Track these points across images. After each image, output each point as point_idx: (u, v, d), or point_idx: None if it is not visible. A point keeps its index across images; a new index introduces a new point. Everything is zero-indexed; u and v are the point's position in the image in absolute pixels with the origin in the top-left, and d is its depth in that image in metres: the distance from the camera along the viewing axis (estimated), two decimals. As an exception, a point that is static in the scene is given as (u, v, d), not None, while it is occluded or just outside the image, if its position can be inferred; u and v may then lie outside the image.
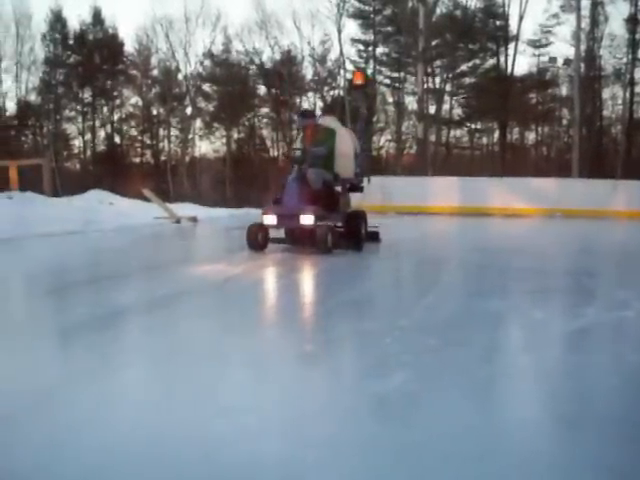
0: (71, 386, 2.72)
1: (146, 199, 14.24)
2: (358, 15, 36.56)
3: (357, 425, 2.29)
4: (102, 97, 37.99)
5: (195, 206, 17.30)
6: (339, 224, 8.10)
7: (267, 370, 2.98)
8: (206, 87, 38.18)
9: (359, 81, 8.76)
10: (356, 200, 11.27)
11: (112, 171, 34.06)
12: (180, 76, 37.08)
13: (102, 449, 2.04)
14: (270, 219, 7.54)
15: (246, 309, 4.45)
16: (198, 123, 38.19)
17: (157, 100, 37.58)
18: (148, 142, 39.39)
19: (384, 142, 38.51)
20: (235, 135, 37.99)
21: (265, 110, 37.79)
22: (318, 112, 29.77)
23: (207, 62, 37.39)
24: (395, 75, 37.05)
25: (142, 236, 10.58)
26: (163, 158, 38.54)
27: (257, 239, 7.58)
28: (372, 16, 36.59)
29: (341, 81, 35.43)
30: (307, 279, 6.19)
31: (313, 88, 36.94)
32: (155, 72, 37.68)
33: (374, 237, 8.76)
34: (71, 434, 2.17)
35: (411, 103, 35.72)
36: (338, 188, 8.22)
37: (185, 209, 14.50)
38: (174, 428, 2.22)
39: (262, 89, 38.01)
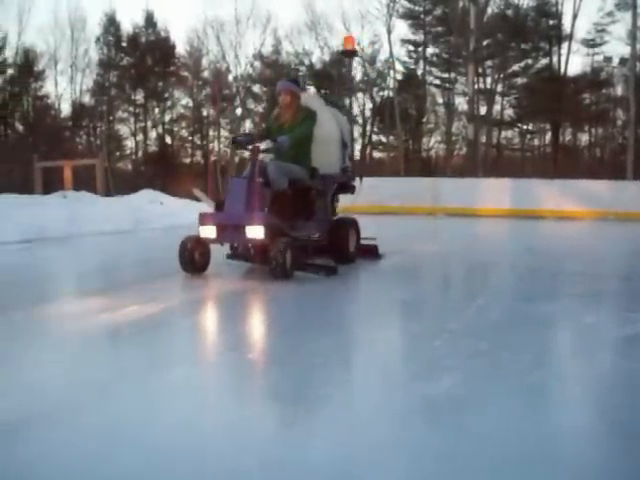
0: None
1: (196, 199, 14.36)
2: (408, 15, 36.47)
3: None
4: (154, 98, 38.72)
5: (244, 206, 17.38)
6: (316, 236, 6.19)
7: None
8: (256, 88, 38.56)
9: (350, 46, 7.36)
10: (399, 201, 10.78)
11: (163, 171, 34.66)
12: (230, 77, 37.51)
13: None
14: (208, 231, 5.54)
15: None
16: (248, 124, 38.59)
17: (207, 101, 38.07)
18: (198, 143, 39.99)
19: (434, 143, 38.33)
20: (284, 136, 38.25)
21: (314, 111, 37.95)
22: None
23: (257, 63, 37.78)
24: (445, 76, 36.88)
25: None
26: (213, 158, 39.01)
27: (193, 258, 5.60)
28: (422, 16, 36.48)
29: (391, 82, 35.34)
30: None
31: (362, 89, 36.92)
32: (206, 73, 38.21)
33: (371, 253, 6.82)
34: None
35: (461, 104, 35.52)
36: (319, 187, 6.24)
37: (234, 209, 14.59)
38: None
39: (311, 90, 38.21)
